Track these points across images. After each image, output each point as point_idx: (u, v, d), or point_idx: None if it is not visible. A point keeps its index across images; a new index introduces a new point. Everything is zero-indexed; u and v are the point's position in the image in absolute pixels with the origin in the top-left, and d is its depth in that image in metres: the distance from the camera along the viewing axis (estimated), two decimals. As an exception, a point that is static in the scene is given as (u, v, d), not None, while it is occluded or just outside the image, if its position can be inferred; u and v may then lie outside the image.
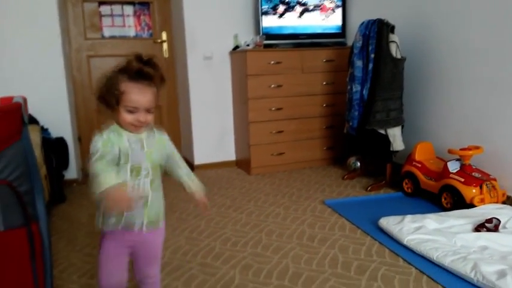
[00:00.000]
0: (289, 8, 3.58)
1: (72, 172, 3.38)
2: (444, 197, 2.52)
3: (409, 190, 2.81)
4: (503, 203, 2.41)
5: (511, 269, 1.64)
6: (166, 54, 3.91)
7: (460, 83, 2.74)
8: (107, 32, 3.75)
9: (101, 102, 1.25)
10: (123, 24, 3.81)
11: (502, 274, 1.62)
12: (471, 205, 2.35)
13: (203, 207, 1.40)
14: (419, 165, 2.73)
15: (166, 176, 1.39)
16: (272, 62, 3.41)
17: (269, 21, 3.55)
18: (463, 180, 2.41)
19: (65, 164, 3.26)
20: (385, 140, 2.90)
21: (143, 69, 1.21)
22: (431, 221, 2.15)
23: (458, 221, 2.16)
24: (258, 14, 3.55)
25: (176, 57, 3.94)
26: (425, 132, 3.04)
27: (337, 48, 3.62)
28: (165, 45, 3.90)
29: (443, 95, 2.87)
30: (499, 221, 2.08)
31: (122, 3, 3.77)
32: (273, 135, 3.52)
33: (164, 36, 3.89)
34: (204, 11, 3.57)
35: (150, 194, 1.30)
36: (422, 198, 2.74)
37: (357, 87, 2.97)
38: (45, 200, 1.54)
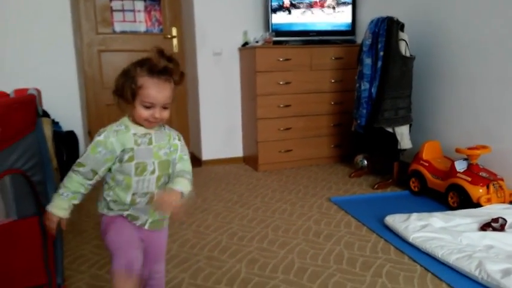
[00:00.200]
0: (298, 4, 3.59)
1: (81, 165, 3.41)
2: (451, 196, 2.52)
3: (416, 189, 2.81)
4: (510, 203, 2.40)
5: (516, 268, 1.65)
6: (176, 50, 3.94)
7: (469, 82, 2.73)
8: (118, 27, 3.78)
9: (116, 95, 1.22)
10: (134, 19, 3.84)
11: (506, 273, 1.62)
12: (478, 205, 2.34)
13: (165, 207, 1.20)
14: (427, 164, 2.73)
15: None
16: (281, 59, 3.42)
17: (278, 18, 3.56)
18: (470, 179, 2.41)
19: (75, 157, 3.26)
20: (393, 139, 2.90)
21: (168, 65, 1.18)
22: (438, 220, 2.16)
23: (464, 220, 2.16)
24: (267, 11, 3.57)
25: (186, 53, 3.96)
26: (434, 131, 3.03)
27: (346, 46, 3.61)
28: (175, 41, 3.93)
29: (452, 94, 2.87)
30: (506, 221, 2.08)
31: (133, -1, 3.81)
32: (280, 132, 3.53)
33: (174, 31, 3.92)
34: (214, 7, 3.59)
35: (155, 191, 1.27)
36: (428, 197, 2.74)
37: (365, 85, 2.97)
38: (57, 190, 1.57)
